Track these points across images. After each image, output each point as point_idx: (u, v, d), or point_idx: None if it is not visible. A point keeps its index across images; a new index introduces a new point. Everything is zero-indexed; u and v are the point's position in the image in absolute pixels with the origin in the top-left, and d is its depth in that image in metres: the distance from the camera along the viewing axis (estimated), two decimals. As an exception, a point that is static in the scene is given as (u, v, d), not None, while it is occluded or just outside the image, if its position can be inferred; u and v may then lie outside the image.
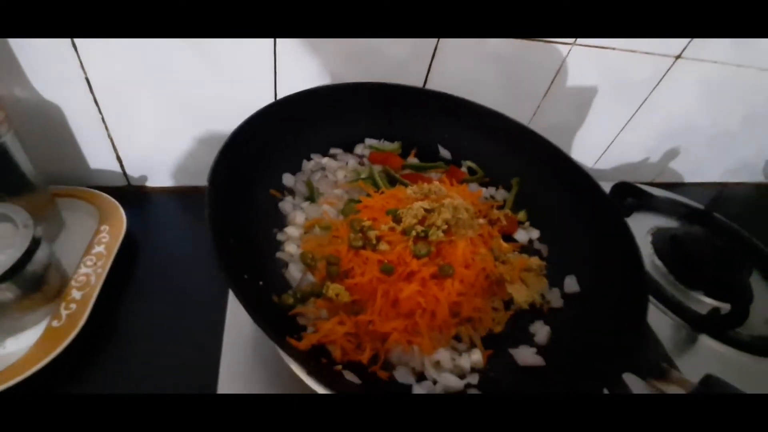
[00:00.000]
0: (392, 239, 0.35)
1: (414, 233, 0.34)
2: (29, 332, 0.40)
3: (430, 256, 0.34)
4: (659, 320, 0.48)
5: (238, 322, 0.39)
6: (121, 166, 0.56)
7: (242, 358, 0.36)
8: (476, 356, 0.31)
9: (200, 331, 0.43)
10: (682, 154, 0.86)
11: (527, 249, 0.42)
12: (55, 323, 0.41)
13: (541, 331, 0.34)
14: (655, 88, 0.69)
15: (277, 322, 0.30)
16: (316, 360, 0.28)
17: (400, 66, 0.54)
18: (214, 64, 0.49)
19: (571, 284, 0.38)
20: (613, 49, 0.61)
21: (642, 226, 0.60)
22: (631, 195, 0.61)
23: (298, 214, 0.39)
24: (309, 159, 0.46)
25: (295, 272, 0.34)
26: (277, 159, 0.43)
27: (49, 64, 0.45)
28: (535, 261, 0.38)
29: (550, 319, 0.36)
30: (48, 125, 0.50)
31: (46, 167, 0.47)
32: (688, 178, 0.92)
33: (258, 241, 0.36)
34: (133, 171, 0.58)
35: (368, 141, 0.50)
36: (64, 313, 0.42)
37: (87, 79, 0.47)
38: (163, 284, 0.49)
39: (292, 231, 0.38)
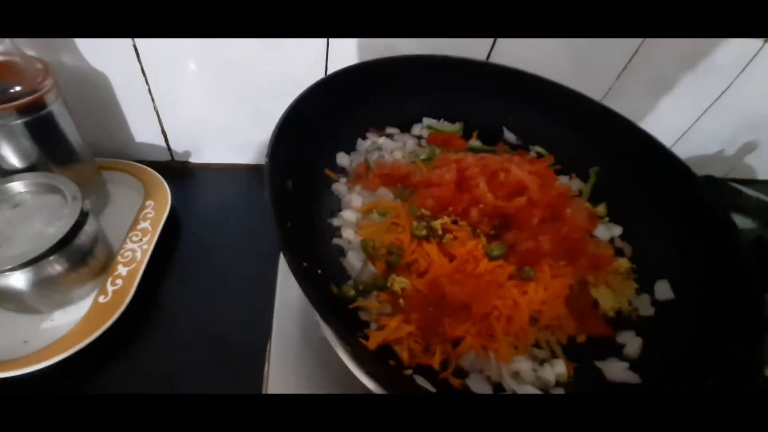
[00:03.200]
0: (460, 234, 0.31)
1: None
2: (77, 306, 0.40)
3: (505, 257, 0.30)
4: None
5: (287, 303, 0.36)
6: (166, 140, 0.55)
7: (291, 340, 0.34)
8: (560, 368, 0.27)
9: (245, 309, 0.42)
10: (759, 149, 0.78)
11: (608, 248, 0.37)
12: (102, 299, 0.40)
13: (631, 342, 0.30)
14: (739, 74, 0.61)
15: (339, 316, 0.27)
16: (384, 362, 0.25)
17: (460, 39, 0.50)
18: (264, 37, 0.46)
19: (663, 290, 0.33)
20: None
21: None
22: (714, 191, 0.54)
23: (354, 197, 0.36)
24: (364, 138, 0.42)
25: (354, 261, 0.31)
26: (330, 137, 0.40)
27: (97, 29, 0.42)
28: (623, 263, 0.34)
29: (640, 329, 0.31)
30: (95, 95, 0.48)
31: (92, 138, 0.46)
32: (762, 175, 0.83)
33: (313, 225, 0.33)
34: (177, 146, 0.56)
35: (426, 120, 0.46)
36: (110, 288, 0.41)
37: (135, 47, 0.44)
38: (206, 262, 0.48)
39: (348, 215, 0.35)
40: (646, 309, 0.32)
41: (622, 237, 0.38)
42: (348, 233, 0.33)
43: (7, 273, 0.34)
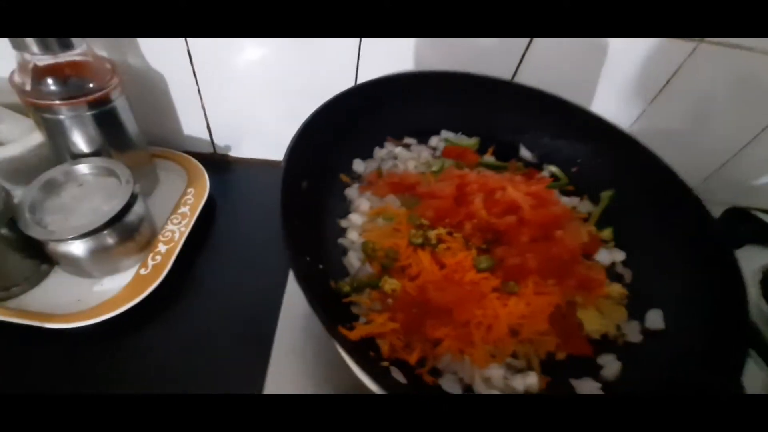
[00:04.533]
0: (453, 245, 0.33)
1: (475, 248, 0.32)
2: (122, 275, 0.46)
3: (492, 270, 0.31)
4: (755, 379, 0.40)
5: (294, 298, 0.40)
6: (210, 134, 0.61)
7: (296, 323, 0.38)
8: (531, 380, 0.29)
9: (266, 292, 0.45)
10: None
11: (608, 273, 0.37)
12: (143, 271, 0.46)
13: (610, 365, 0.31)
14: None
15: (332, 307, 0.31)
16: (363, 352, 0.28)
17: (488, 54, 0.51)
18: (302, 43, 0.50)
19: (654, 319, 0.33)
20: (750, 49, 0.51)
21: (752, 262, 0.50)
22: (745, 223, 0.52)
23: (363, 202, 0.39)
24: (381, 146, 0.45)
25: (354, 260, 0.34)
26: (350, 144, 0.43)
27: (158, 35, 0.48)
28: (616, 288, 0.34)
29: (623, 355, 0.32)
30: (153, 92, 0.54)
31: (148, 129, 0.52)
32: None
33: (322, 225, 0.37)
34: (220, 140, 0.62)
35: (444, 133, 0.48)
36: (150, 263, 0.47)
37: (189, 51, 0.50)
38: (235, 247, 0.52)
39: (355, 218, 0.38)
40: (634, 335, 0.33)
41: (624, 263, 0.38)
42: (353, 234, 0.36)
43: (70, 241, 0.40)
